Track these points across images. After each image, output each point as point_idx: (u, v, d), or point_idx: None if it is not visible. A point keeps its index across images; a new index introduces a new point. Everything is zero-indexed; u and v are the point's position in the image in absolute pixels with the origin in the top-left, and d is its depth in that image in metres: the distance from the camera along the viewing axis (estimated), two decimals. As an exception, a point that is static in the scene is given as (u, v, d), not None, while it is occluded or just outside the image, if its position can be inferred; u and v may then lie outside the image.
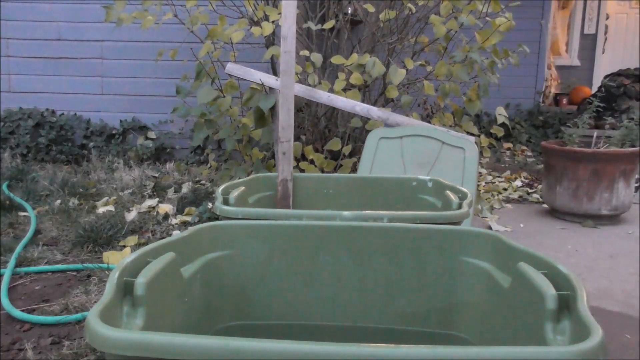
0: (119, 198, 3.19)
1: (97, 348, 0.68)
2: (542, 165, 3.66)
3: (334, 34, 3.58)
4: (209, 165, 4.12)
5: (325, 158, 3.09)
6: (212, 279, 1.13)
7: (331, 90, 2.83)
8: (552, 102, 6.71)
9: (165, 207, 2.93)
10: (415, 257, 1.15)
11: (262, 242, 1.17)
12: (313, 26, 3.04)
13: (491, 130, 3.17)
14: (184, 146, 4.60)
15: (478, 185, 3.47)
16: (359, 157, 2.69)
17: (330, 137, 3.23)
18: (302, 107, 3.32)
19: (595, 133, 3.39)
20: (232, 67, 2.78)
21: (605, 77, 5.56)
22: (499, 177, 4.23)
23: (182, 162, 4.43)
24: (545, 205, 3.37)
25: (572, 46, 7.29)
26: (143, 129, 4.58)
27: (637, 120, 3.73)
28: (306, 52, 2.93)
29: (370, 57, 2.81)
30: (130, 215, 2.78)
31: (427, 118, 3.44)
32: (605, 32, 7.34)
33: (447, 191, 1.53)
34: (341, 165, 3.09)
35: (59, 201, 3.02)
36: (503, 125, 3.24)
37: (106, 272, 2.07)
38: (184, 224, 2.73)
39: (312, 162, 3.05)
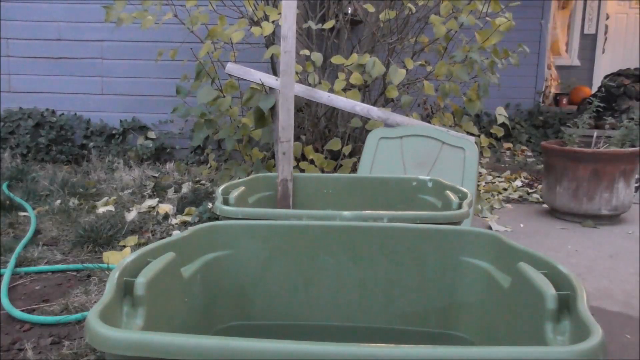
0: (119, 198, 3.19)
1: (97, 348, 0.68)
2: (542, 165, 3.66)
3: (334, 34, 3.58)
4: (209, 165, 4.12)
5: (325, 158, 3.09)
6: (212, 279, 1.12)
7: (331, 90, 2.83)
8: (552, 102, 6.70)
9: (165, 207, 2.93)
10: (415, 257, 1.15)
11: (262, 242, 1.16)
12: (313, 26, 3.04)
13: (491, 130, 3.17)
14: (184, 146, 4.60)
15: (478, 185, 3.47)
16: (359, 157, 2.69)
17: (330, 137, 3.23)
18: (302, 107, 3.32)
19: (595, 133, 3.39)
20: (232, 67, 2.78)
21: (605, 77, 5.56)
22: (499, 177, 4.23)
23: (182, 162, 4.43)
24: (545, 205, 3.37)
25: (572, 46, 7.28)
26: (143, 129, 4.59)
27: (637, 120, 3.72)
28: (306, 52, 2.93)
29: (370, 57, 2.81)
30: (130, 215, 2.78)
31: (427, 118, 3.44)
32: (605, 32, 7.34)
33: (447, 191, 1.53)
34: (341, 165, 3.09)
35: (59, 201, 3.02)
36: (503, 125, 3.24)
37: (106, 272, 2.07)
38: (184, 224, 2.73)
39: (312, 162, 3.05)
